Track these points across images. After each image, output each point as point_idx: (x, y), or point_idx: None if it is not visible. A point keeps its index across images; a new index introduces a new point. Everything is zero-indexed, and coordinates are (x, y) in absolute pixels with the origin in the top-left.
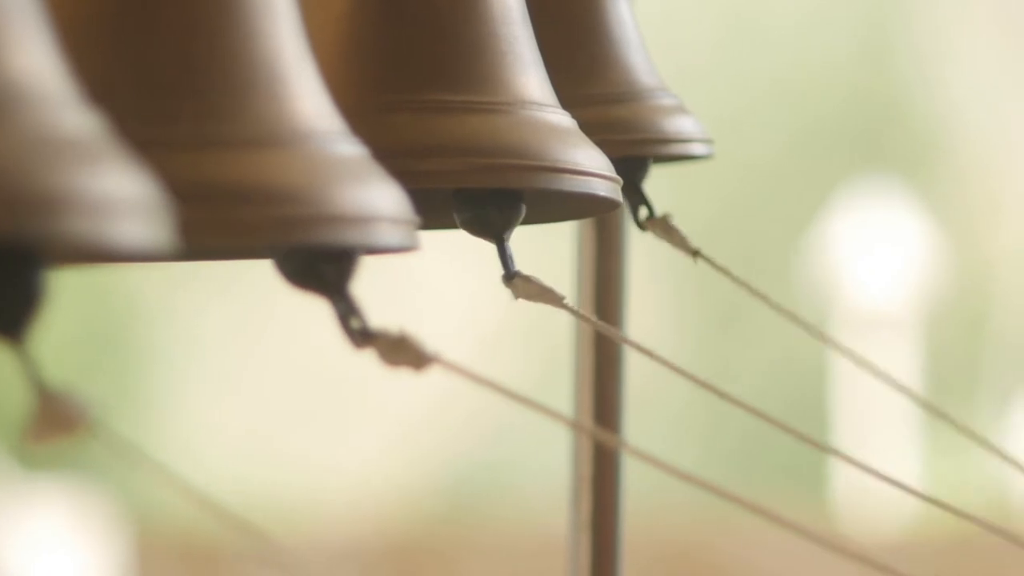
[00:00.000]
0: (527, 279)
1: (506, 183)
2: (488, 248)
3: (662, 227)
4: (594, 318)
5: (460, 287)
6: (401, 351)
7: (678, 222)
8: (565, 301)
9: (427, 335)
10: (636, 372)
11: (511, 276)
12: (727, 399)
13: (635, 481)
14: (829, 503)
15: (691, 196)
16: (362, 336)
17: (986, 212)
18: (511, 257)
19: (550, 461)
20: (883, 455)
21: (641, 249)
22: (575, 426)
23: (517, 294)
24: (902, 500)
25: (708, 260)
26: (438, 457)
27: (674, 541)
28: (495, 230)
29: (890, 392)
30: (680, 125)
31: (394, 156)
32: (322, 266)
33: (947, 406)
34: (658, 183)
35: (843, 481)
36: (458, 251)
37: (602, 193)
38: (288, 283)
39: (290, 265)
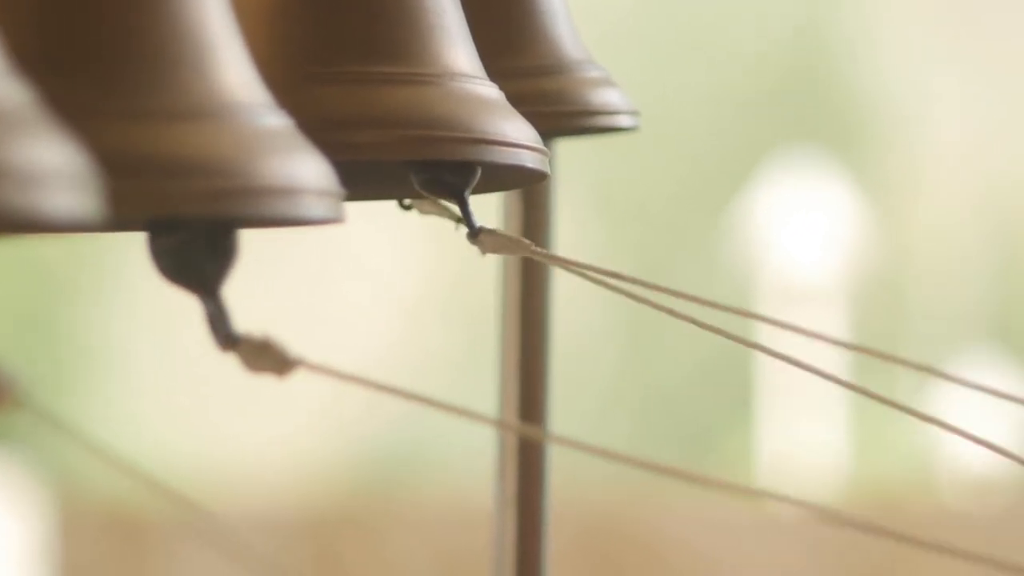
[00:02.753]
0: (493, 232)
1: (436, 155)
2: (408, 218)
3: (496, 240)
4: (563, 262)
5: (380, 257)
6: (264, 356)
7: (606, 192)
8: (534, 249)
9: (349, 305)
10: (564, 341)
11: (476, 232)
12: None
13: (561, 455)
14: (754, 475)
15: (618, 168)
16: (226, 340)
17: (910, 185)
18: (472, 214)
19: (476, 434)
20: (809, 422)
21: (566, 215)
22: (498, 424)
23: (484, 249)
24: (827, 472)
25: (543, 255)
26: (362, 430)
27: (600, 516)
28: (455, 189)
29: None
30: (607, 97)
31: (322, 129)
32: (203, 264)
33: (871, 376)
34: (586, 155)
35: (767, 453)
36: (379, 221)
37: (530, 165)
38: (163, 277)
39: (169, 260)
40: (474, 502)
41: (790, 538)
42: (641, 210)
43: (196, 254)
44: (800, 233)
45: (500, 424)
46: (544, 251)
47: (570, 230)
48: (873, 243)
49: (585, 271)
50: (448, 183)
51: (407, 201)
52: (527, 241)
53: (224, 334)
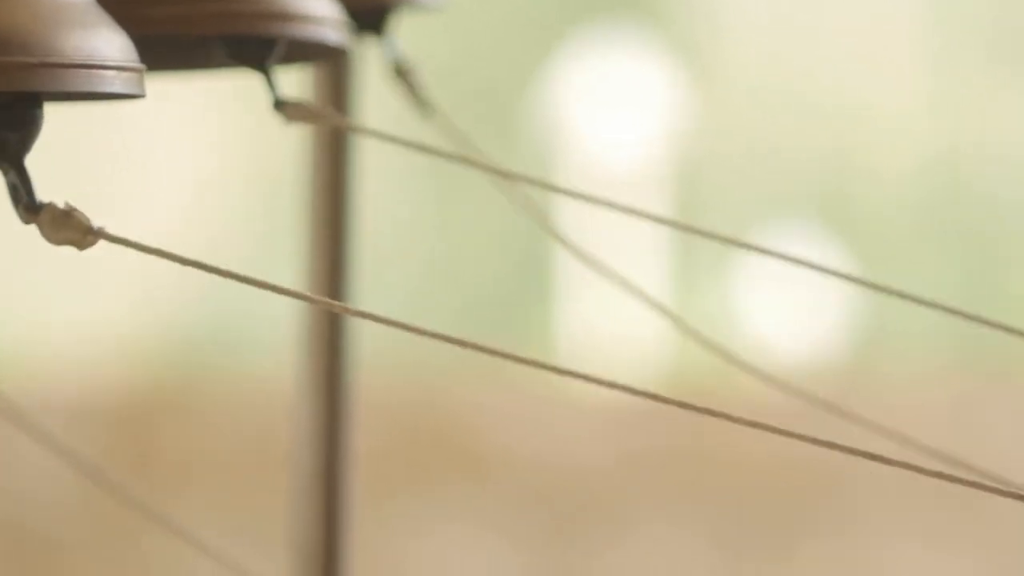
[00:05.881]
0: (297, 103)
1: (236, 30)
2: (205, 89)
3: (299, 110)
4: (369, 128)
5: (179, 129)
6: (66, 226)
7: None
8: (337, 118)
9: (148, 179)
10: (374, 226)
11: (280, 103)
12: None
13: (367, 337)
14: (562, 360)
15: (428, 43)
16: (28, 209)
17: (724, 61)
18: (277, 85)
19: (282, 314)
20: (619, 303)
21: (372, 91)
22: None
23: (289, 118)
24: (639, 354)
25: (346, 124)
26: (168, 309)
27: (406, 400)
28: (258, 62)
29: (632, 229)
30: None
31: (122, 3)
32: (6, 135)
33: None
34: (396, 32)
35: (575, 336)
36: (177, 96)
37: (332, 40)
38: None
39: None
40: (279, 383)
41: (595, 427)
42: (451, 87)
43: (2, 126)
44: (609, 110)
45: (303, 296)
46: (347, 119)
47: (375, 105)
48: (686, 120)
49: (394, 140)
50: (251, 56)
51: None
52: (330, 111)
53: (26, 204)
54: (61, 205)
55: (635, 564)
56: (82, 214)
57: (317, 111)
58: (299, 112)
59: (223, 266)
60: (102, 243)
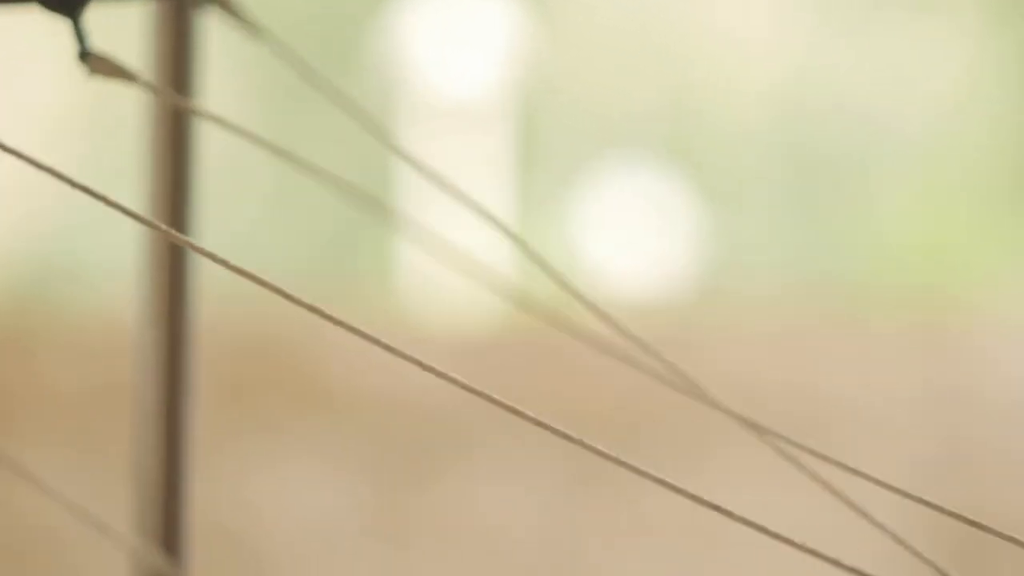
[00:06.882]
0: (101, 57)
1: None
2: (55, 30)
3: (104, 64)
4: (170, 94)
5: (22, 69)
6: None
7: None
8: (140, 78)
9: None
10: (215, 160)
11: (85, 54)
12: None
13: (209, 269)
14: (399, 300)
15: None
16: None
17: None
18: (86, 35)
19: (124, 247)
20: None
21: (214, 29)
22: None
23: (92, 70)
24: (478, 300)
25: (148, 87)
26: (5, 244)
27: (249, 335)
28: (70, 6)
29: (480, 155)
30: None
31: None
32: None
33: (538, 179)
34: None
35: (411, 278)
36: (19, 32)
37: None
38: None
39: None
40: (122, 319)
41: (439, 359)
42: (290, 19)
43: None
44: (452, 43)
45: (145, 220)
46: (150, 82)
47: (217, 44)
48: (530, 53)
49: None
50: (65, 1)
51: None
52: (133, 70)
53: None
54: None
55: (480, 496)
56: None
57: (120, 68)
58: (103, 67)
59: (64, 202)
60: None
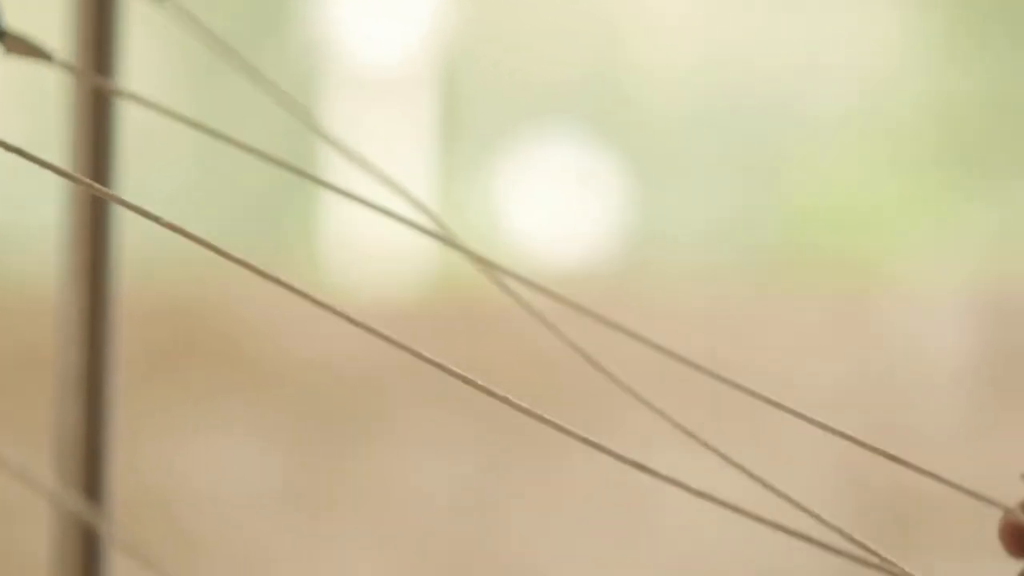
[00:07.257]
0: (17, 36)
1: None
2: None
3: (20, 44)
4: (89, 74)
5: None
6: None
7: None
8: (56, 57)
9: None
10: (136, 127)
11: (0, 33)
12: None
13: (132, 233)
14: (323, 269)
15: None
16: None
17: None
18: (1, 13)
19: (46, 213)
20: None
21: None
22: (70, 176)
23: (7, 50)
24: (405, 266)
25: (65, 67)
26: None
27: (173, 296)
28: None
29: (404, 124)
30: None
31: None
32: None
33: (462, 148)
34: None
35: (335, 247)
36: None
37: None
38: None
39: None
40: (48, 282)
41: (357, 327)
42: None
43: None
44: (376, 12)
45: (69, 175)
46: (68, 62)
47: (137, 11)
48: (456, 22)
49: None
50: None
51: None
52: (49, 50)
53: None
54: None
55: (403, 464)
56: None
57: (37, 49)
58: (19, 47)
59: None
60: None
